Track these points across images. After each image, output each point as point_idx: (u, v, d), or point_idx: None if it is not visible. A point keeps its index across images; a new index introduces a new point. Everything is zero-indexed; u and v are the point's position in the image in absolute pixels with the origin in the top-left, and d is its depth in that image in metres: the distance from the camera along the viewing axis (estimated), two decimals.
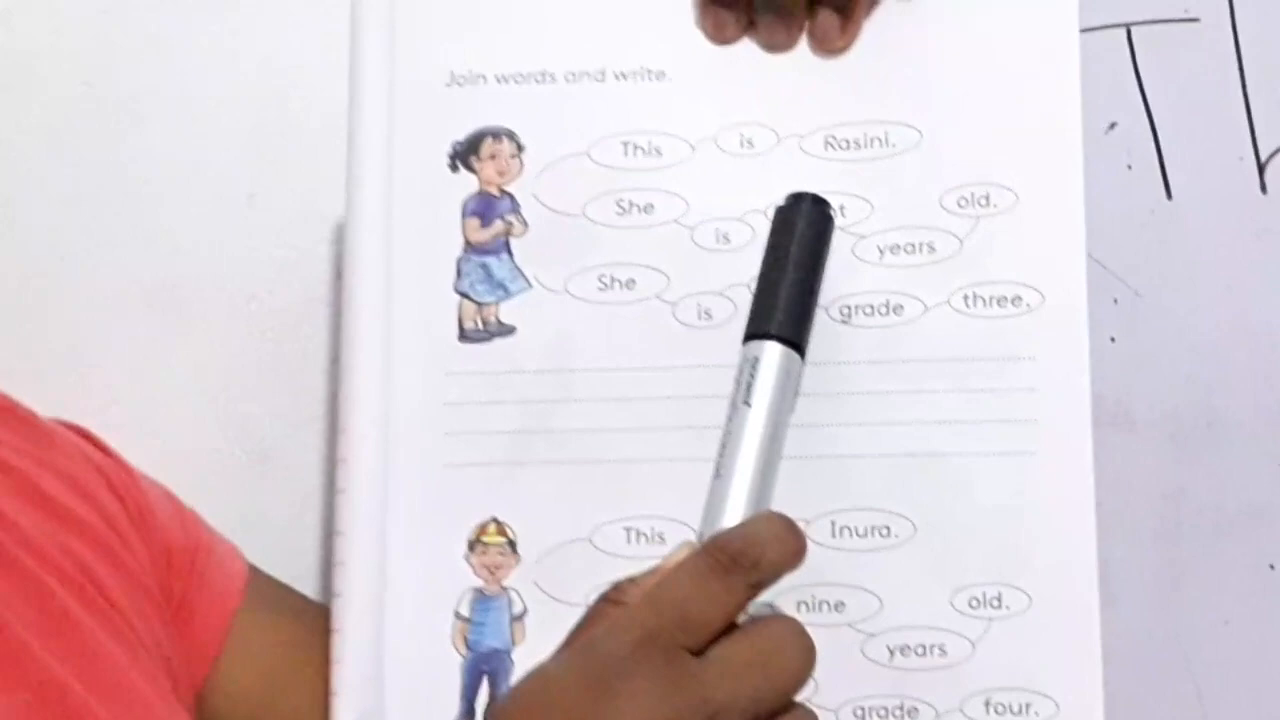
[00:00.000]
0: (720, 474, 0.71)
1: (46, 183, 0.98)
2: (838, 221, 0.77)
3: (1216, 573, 1.01)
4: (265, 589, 0.87)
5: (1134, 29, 1.01)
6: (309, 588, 0.93)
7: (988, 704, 0.74)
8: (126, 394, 0.97)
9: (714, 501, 0.71)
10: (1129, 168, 1.02)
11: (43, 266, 0.98)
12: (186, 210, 0.99)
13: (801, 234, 0.74)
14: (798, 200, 0.75)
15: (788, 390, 0.72)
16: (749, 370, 0.72)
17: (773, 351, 0.72)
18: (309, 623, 0.83)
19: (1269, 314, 1.02)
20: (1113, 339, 1.00)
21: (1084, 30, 0.94)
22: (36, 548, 0.74)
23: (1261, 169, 1.02)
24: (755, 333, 0.73)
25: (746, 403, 0.71)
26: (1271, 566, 1.01)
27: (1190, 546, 1.00)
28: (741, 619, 0.67)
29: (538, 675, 0.66)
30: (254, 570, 0.87)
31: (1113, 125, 1.01)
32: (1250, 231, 1.02)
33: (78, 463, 0.81)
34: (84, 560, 0.76)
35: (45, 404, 0.85)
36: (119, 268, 0.98)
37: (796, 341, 0.73)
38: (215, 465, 0.98)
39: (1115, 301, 1.01)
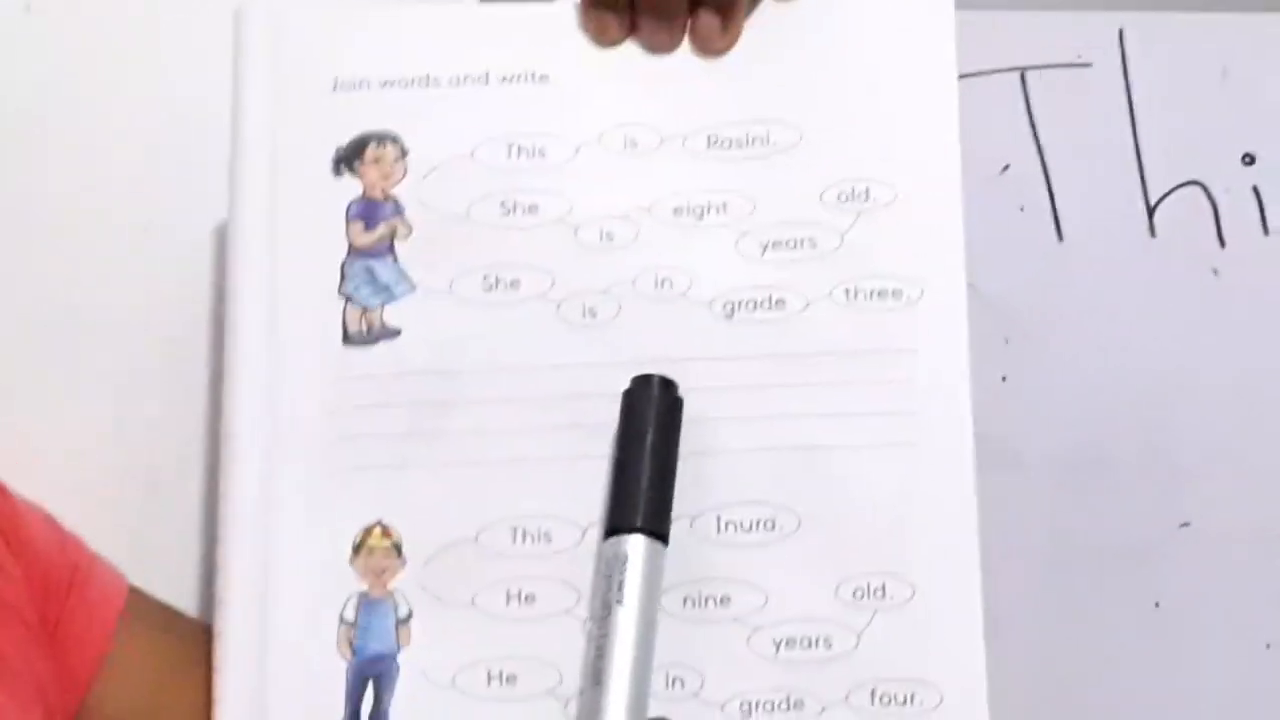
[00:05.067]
0: (599, 680, 0.71)
1: None
2: (720, 219, 0.77)
3: (1102, 611, 1.01)
4: (146, 607, 0.85)
5: (1028, 73, 1.03)
6: (195, 609, 0.92)
7: (873, 694, 0.74)
8: (14, 418, 0.96)
9: (594, 709, 0.70)
10: (1021, 209, 1.03)
11: None
12: (80, 235, 0.98)
13: (655, 420, 0.74)
14: (645, 383, 0.74)
15: (656, 584, 0.72)
16: (619, 568, 0.72)
17: (639, 546, 0.72)
18: (191, 639, 0.82)
19: (1157, 356, 1.03)
20: (1004, 378, 1.01)
21: (978, 73, 0.97)
22: None
23: (1151, 213, 1.03)
24: (620, 526, 0.73)
25: (619, 601, 0.71)
26: (1156, 605, 1.01)
27: (1076, 585, 1.01)
28: None
29: None
30: (134, 590, 0.85)
31: (1006, 167, 1.02)
32: (1139, 274, 1.03)
33: None
34: None
35: None
36: (9, 292, 0.97)
37: (660, 533, 0.73)
38: (102, 488, 0.96)
39: (1006, 341, 1.02)
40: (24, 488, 0.84)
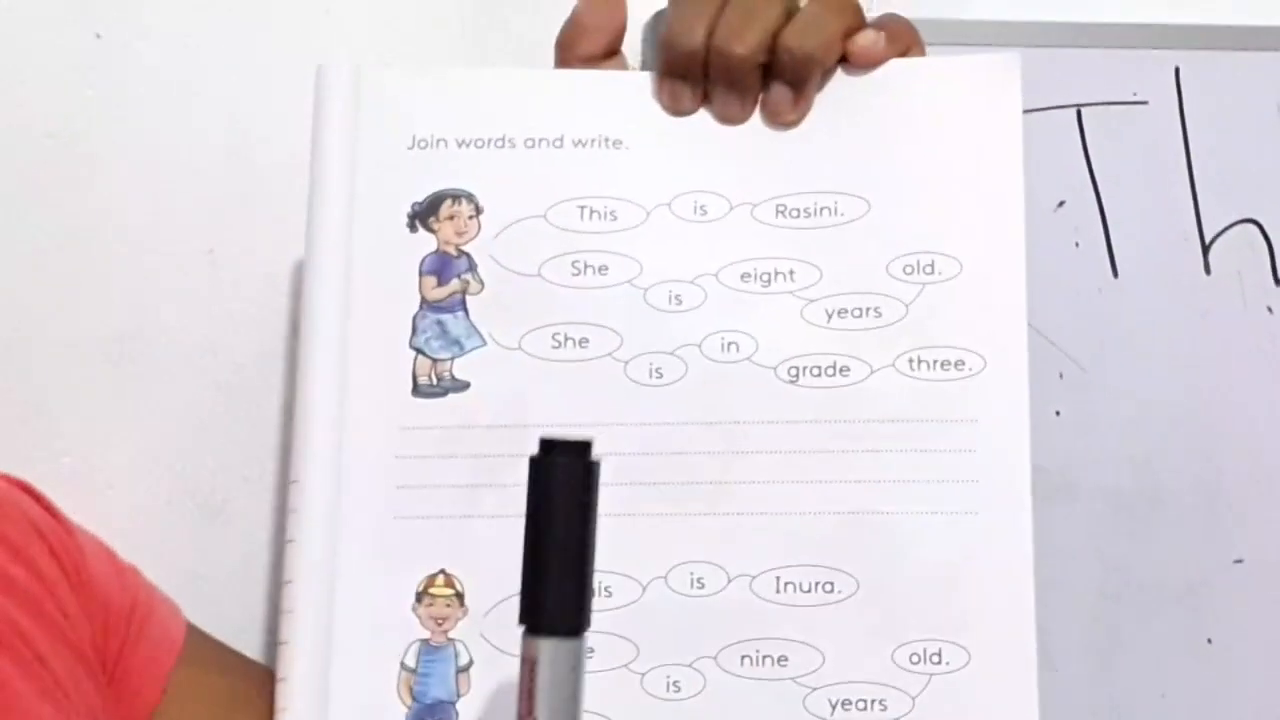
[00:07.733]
0: None
1: (7, 233, 0.99)
2: (787, 286, 0.78)
3: (1154, 645, 1.01)
4: (203, 647, 0.86)
5: (1084, 110, 1.03)
6: (255, 641, 0.94)
7: None
8: (79, 445, 0.98)
9: None
10: (1077, 245, 1.03)
11: (1, 316, 0.99)
12: (147, 263, 0.99)
13: (561, 500, 0.63)
14: (549, 451, 0.61)
15: (575, 685, 0.62)
16: (528, 675, 0.62)
17: (549, 649, 0.62)
18: (246, 680, 0.84)
19: (1210, 392, 1.03)
20: (1058, 412, 1.02)
21: (1035, 110, 0.97)
22: None
23: (1205, 250, 1.03)
24: (530, 627, 0.62)
25: (531, 714, 0.62)
26: (1209, 640, 1.01)
27: (1129, 618, 1.01)
28: None
29: None
30: (192, 628, 0.87)
31: (1061, 203, 1.03)
32: (1194, 311, 1.03)
33: (16, 524, 0.80)
34: (19, 624, 0.76)
35: None
36: (77, 319, 0.98)
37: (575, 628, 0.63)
38: (166, 518, 0.98)
39: (1061, 376, 1.02)
40: (85, 518, 0.86)
